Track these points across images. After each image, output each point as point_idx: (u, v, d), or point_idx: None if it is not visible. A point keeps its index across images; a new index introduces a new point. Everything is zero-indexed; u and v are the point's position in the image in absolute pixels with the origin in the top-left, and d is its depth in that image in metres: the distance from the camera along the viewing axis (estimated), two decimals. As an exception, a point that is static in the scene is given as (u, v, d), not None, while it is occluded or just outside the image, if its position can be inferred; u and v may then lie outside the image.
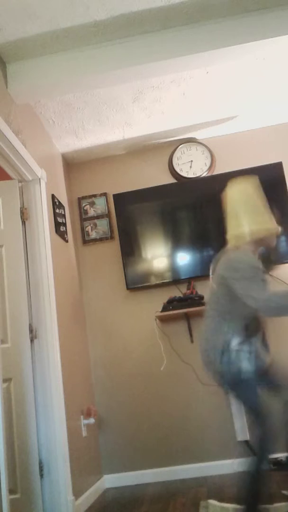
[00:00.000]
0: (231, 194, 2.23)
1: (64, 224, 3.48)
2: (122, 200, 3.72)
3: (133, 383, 3.50)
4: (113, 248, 3.77)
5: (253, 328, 2.05)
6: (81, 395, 3.20)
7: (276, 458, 3.16)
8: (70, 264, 3.54)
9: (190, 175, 3.79)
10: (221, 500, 2.54)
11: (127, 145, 3.88)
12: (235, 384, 2.02)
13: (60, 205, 3.45)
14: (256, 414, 2.00)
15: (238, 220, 2.18)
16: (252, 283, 1.96)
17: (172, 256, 3.59)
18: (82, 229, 3.84)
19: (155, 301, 3.56)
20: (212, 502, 2.51)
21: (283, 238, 3.44)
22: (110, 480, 3.36)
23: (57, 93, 2.93)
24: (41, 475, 2.53)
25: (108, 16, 2.52)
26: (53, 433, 2.59)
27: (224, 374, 2.02)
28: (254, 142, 3.85)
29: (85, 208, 3.88)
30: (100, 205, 3.87)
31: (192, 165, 3.82)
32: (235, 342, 2.00)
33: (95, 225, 3.84)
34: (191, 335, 3.50)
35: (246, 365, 1.98)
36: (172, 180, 3.85)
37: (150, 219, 3.68)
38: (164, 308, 3.38)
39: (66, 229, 3.51)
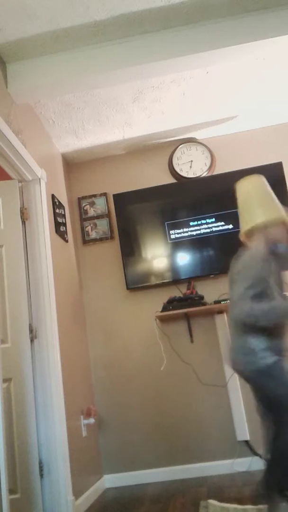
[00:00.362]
0: (243, 189, 2.21)
1: (64, 224, 3.48)
2: (122, 200, 3.72)
3: (133, 383, 3.50)
4: (113, 248, 3.77)
5: (276, 331, 2.02)
6: (81, 395, 3.20)
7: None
8: (70, 264, 3.54)
9: (190, 175, 3.79)
10: (221, 500, 2.54)
11: (127, 145, 3.88)
12: (259, 384, 2.01)
13: (60, 205, 3.45)
14: (282, 411, 1.93)
15: (252, 213, 2.16)
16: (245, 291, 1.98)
17: (172, 256, 3.59)
18: (82, 229, 3.84)
19: (155, 301, 3.56)
20: (212, 502, 2.51)
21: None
22: (110, 480, 3.36)
23: (57, 93, 2.93)
24: (41, 475, 2.53)
25: (108, 16, 2.52)
26: (53, 433, 2.59)
27: (248, 375, 2.01)
28: (254, 142, 3.85)
29: (85, 208, 3.88)
30: (100, 205, 3.87)
31: (192, 165, 3.82)
32: (258, 345, 1.97)
33: (95, 225, 3.84)
34: (191, 335, 3.50)
35: (268, 364, 1.95)
36: (172, 180, 3.85)
37: (150, 219, 3.68)
38: (164, 308, 3.38)
39: (66, 229, 3.51)
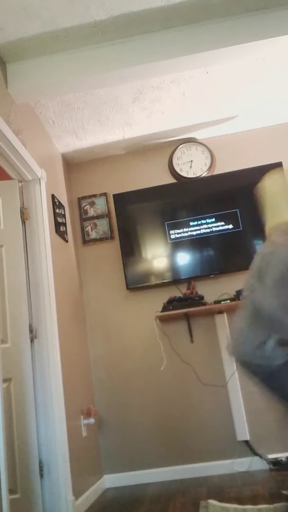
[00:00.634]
0: (269, 186, 2.16)
1: (64, 224, 3.48)
2: (122, 200, 3.72)
3: (133, 383, 3.50)
4: (113, 248, 3.77)
5: None
6: (81, 395, 3.20)
7: (276, 458, 3.17)
8: (70, 264, 3.54)
9: (190, 175, 3.79)
10: (221, 500, 2.54)
11: (127, 145, 3.88)
12: (267, 383, 1.93)
13: (60, 205, 3.45)
14: None
15: (277, 209, 2.11)
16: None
17: (172, 256, 3.59)
18: (82, 229, 3.84)
19: (155, 301, 3.56)
20: (212, 502, 2.51)
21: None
22: (110, 480, 3.36)
23: (57, 93, 2.93)
24: (41, 475, 2.53)
25: (108, 16, 2.52)
26: (53, 433, 2.59)
27: (255, 369, 1.93)
28: (254, 142, 3.85)
29: (85, 208, 3.88)
30: (100, 205, 3.87)
31: (192, 165, 3.82)
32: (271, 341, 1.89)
33: (95, 225, 3.84)
34: (191, 335, 3.50)
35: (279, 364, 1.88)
36: (172, 180, 3.84)
37: (150, 219, 3.68)
38: (164, 308, 3.38)
39: (66, 229, 3.51)
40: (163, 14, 2.56)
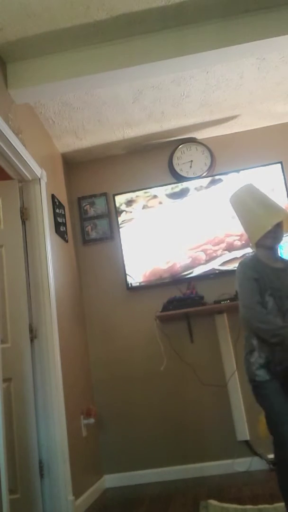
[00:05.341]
0: (239, 199, 2.14)
1: (64, 224, 3.48)
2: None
3: (133, 383, 3.50)
4: (113, 248, 3.76)
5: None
6: (81, 395, 3.20)
7: (276, 458, 3.16)
8: (70, 264, 3.54)
9: (190, 175, 3.79)
10: (221, 500, 2.54)
11: (127, 145, 3.87)
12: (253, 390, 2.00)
13: (60, 205, 3.45)
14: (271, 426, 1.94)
15: (243, 226, 2.14)
16: (240, 292, 1.99)
17: (172, 256, 3.59)
18: (82, 229, 3.84)
19: (155, 301, 3.55)
20: (212, 502, 2.51)
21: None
22: (110, 480, 3.35)
23: (57, 93, 2.93)
24: (41, 475, 2.53)
25: (108, 16, 2.52)
26: (53, 433, 2.59)
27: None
28: (254, 142, 3.84)
29: (85, 208, 3.88)
30: (100, 205, 3.87)
31: (192, 165, 3.81)
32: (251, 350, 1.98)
33: (95, 225, 3.83)
34: (191, 335, 3.50)
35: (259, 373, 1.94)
36: (172, 180, 3.84)
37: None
38: (164, 308, 3.37)
39: (66, 229, 3.51)
40: (163, 14, 2.56)
